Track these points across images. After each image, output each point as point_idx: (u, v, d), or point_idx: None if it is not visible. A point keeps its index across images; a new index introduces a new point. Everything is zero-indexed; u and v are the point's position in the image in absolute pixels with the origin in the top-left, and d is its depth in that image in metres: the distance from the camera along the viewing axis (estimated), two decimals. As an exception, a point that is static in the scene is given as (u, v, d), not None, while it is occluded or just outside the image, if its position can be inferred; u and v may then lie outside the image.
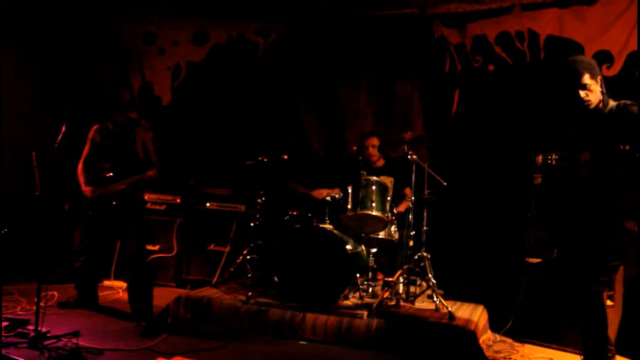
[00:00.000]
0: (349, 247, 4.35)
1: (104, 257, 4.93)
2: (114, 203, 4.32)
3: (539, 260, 4.39)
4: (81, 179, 4.44)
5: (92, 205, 4.37)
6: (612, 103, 3.27)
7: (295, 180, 5.38)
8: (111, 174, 4.34)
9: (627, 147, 2.97)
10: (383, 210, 4.53)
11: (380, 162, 5.31)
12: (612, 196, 3.12)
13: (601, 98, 3.27)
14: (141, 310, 4.29)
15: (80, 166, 4.48)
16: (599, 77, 3.26)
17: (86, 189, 4.38)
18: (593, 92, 3.23)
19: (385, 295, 4.38)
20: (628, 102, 3.20)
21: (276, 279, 4.46)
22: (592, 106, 3.25)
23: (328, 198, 4.72)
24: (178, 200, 5.82)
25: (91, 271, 4.66)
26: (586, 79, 3.20)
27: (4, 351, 3.33)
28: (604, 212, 3.16)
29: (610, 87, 3.36)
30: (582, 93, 3.22)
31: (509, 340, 4.37)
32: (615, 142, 3.03)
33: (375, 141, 5.23)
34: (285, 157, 5.22)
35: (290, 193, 5.32)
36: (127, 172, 4.34)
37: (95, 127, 4.54)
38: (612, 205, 3.13)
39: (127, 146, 4.38)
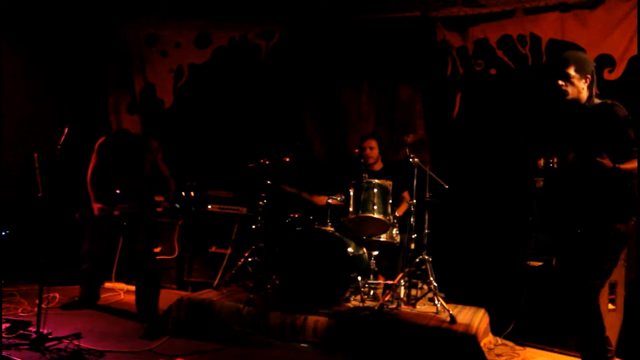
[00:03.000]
0: (350, 249, 4.35)
1: (111, 259, 5.00)
2: (125, 224, 4.40)
3: (540, 263, 4.39)
4: (91, 194, 4.56)
5: (103, 219, 4.46)
6: (596, 101, 3.31)
7: (284, 182, 5.35)
8: (118, 191, 4.38)
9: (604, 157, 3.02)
10: (385, 212, 4.53)
11: (378, 166, 5.30)
12: (601, 198, 3.13)
13: (586, 96, 3.28)
14: (145, 313, 4.30)
15: (89, 178, 4.58)
16: (589, 76, 3.28)
17: (95, 206, 4.51)
18: (574, 85, 3.26)
19: (386, 298, 4.38)
20: (611, 102, 3.24)
21: (277, 282, 4.46)
22: (569, 97, 3.27)
23: (330, 200, 4.72)
24: (180, 202, 5.83)
25: (99, 273, 4.77)
26: (571, 70, 3.24)
27: (5, 353, 3.34)
28: (594, 214, 3.16)
29: (612, 91, 3.38)
30: (560, 82, 3.26)
31: (511, 343, 4.37)
32: (596, 146, 3.06)
33: (372, 143, 5.23)
34: (287, 159, 5.23)
35: (284, 195, 5.30)
36: (136, 188, 4.39)
37: (101, 139, 4.64)
38: (602, 207, 3.14)
39: (134, 161, 4.43)
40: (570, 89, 3.27)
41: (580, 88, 3.27)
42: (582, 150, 3.15)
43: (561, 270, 3.45)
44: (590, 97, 3.30)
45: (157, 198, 4.58)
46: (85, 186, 4.61)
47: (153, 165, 4.48)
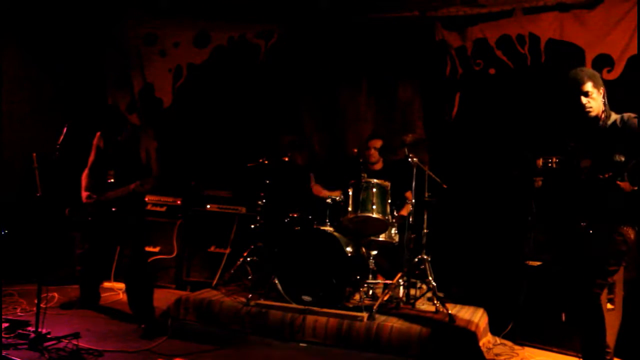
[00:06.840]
0: (349, 249, 4.35)
1: (106, 259, 4.98)
2: (114, 210, 4.34)
3: (539, 263, 4.39)
4: (82, 184, 4.49)
5: (91, 210, 4.39)
6: (614, 116, 3.31)
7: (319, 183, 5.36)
8: (112, 180, 4.35)
9: (622, 158, 3.02)
10: (384, 212, 4.53)
11: (379, 166, 5.31)
12: (610, 201, 3.14)
13: (603, 109, 3.30)
14: (141, 313, 4.30)
15: (85, 173, 4.54)
16: (602, 88, 3.29)
17: (83, 194, 4.43)
18: (595, 100, 3.27)
19: (385, 298, 4.38)
20: (632, 115, 3.24)
21: (276, 281, 4.46)
22: (593, 114, 3.28)
23: (329, 200, 4.72)
24: (179, 202, 5.82)
25: (94, 273, 4.73)
26: (588, 86, 3.24)
27: (4, 352, 3.34)
28: (602, 216, 3.17)
29: (611, 91, 3.38)
30: (583, 99, 3.25)
31: (509, 343, 4.37)
32: (615, 154, 3.07)
33: (378, 144, 5.24)
34: (286, 159, 5.22)
35: (314, 198, 5.28)
36: (130, 179, 4.33)
37: (99, 133, 4.58)
38: (611, 210, 3.15)
39: (131, 154, 4.39)
40: (593, 105, 3.26)
41: (600, 102, 3.28)
42: (603, 159, 3.14)
43: (562, 270, 3.46)
44: (606, 108, 3.30)
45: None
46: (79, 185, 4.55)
47: (146, 152, 4.40)
